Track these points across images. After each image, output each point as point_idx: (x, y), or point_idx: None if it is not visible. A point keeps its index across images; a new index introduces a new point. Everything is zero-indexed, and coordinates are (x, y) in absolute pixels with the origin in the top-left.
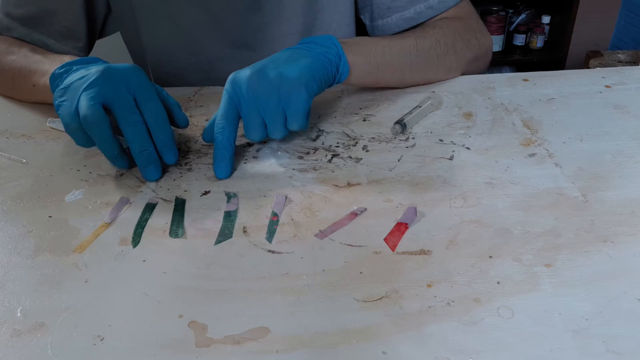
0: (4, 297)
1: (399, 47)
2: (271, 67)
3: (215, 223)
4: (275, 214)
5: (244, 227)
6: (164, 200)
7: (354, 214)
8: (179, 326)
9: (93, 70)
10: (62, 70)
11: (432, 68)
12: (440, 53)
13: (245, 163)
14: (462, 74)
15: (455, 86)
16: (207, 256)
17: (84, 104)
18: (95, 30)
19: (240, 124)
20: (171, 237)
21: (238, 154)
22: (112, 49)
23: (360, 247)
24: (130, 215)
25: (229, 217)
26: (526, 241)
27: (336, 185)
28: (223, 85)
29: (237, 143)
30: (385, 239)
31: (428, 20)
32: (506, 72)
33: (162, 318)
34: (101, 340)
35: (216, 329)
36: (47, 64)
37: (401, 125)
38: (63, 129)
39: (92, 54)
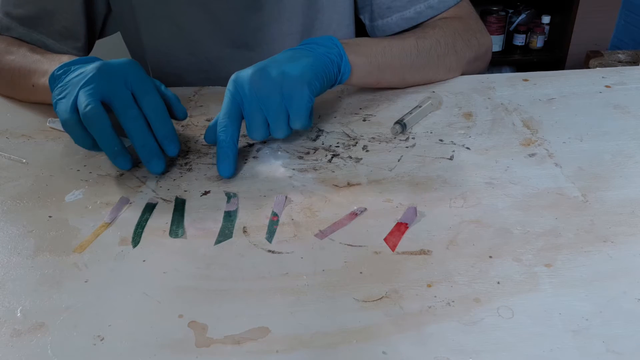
0: (4, 297)
1: (400, 47)
2: (273, 66)
3: (215, 223)
4: (275, 214)
5: (244, 227)
6: (164, 200)
7: (354, 214)
8: (179, 326)
9: (90, 67)
10: (61, 71)
11: (432, 68)
12: (440, 53)
13: (245, 163)
14: (462, 74)
15: (455, 86)
16: (207, 256)
17: (82, 101)
18: (95, 30)
19: (243, 124)
20: (171, 237)
21: (238, 154)
22: (112, 49)
23: (360, 247)
24: (130, 215)
25: (229, 217)
26: (526, 241)
27: (336, 185)
28: (223, 85)
29: (238, 143)
30: (385, 239)
31: (428, 20)
32: (506, 72)
33: (162, 318)
34: (101, 340)
35: (216, 329)
36: (46, 64)
37: (401, 125)
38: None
39: (92, 54)
